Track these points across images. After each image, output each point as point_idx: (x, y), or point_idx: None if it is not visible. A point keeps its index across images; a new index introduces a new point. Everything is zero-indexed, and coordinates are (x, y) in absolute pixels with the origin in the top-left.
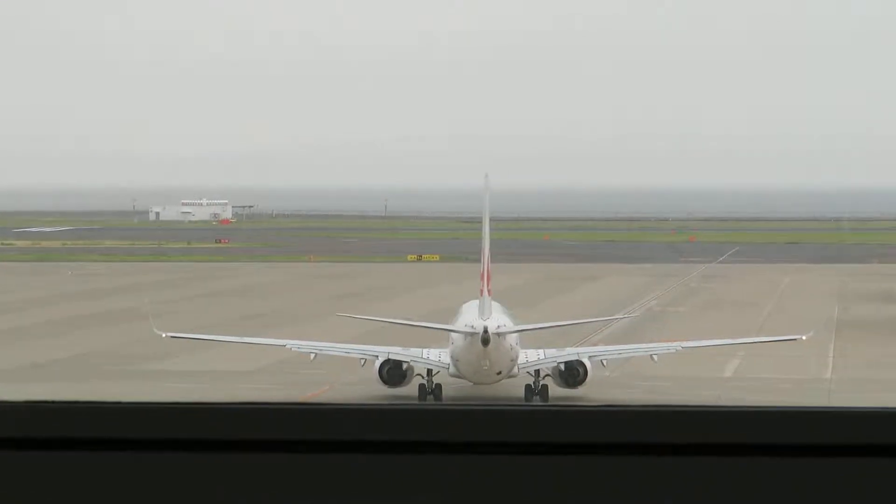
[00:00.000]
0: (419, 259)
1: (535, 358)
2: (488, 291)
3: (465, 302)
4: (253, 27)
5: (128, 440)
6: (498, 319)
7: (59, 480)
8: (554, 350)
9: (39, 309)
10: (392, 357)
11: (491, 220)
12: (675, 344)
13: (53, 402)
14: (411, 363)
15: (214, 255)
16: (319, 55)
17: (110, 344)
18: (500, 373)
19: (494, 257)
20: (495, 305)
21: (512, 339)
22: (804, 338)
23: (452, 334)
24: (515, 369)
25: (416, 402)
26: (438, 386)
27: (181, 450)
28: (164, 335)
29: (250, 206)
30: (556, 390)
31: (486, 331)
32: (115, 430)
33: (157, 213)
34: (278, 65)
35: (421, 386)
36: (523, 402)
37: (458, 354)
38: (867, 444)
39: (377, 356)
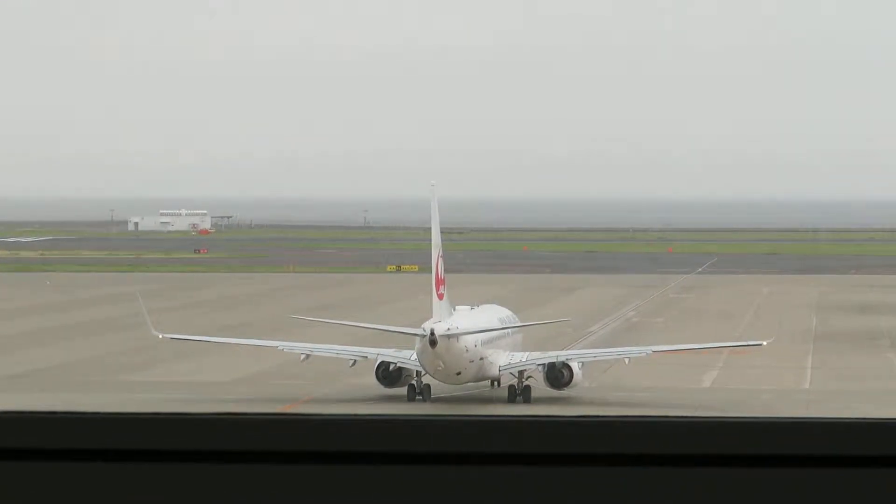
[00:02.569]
0: (398, 269)
1: (518, 360)
2: (439, 296)
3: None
4: (236, 32)
5: (107, 451)
6: (453, 322)
7: (35, 492)
8: (538, 353)
9: (18, 319)
10: (384, 359)
11: (471, 230)
12: (646, 348)
13: (31, 412)
14: (399, 364)
15: (193, 265)
16: (306, 63)
17: (90, 354)
18: (459, 373)
19: (473, 268)
20: (492, 308)
21: (470, 342)
22: (764, 343)
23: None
24: (495, 371)
25: (403, 412)
26: (427, 386)
27: (161, 461)
28: (160, 336)
29: (229, 217)
30: (548, 393)
31: (432, 333)
32: (93, 440)
33: (136, 224)
34: (259, 70)
35: (410, 386)
36: (512, 414)
37: (418, 356)
38: (848, 455)
39: (367, 357)
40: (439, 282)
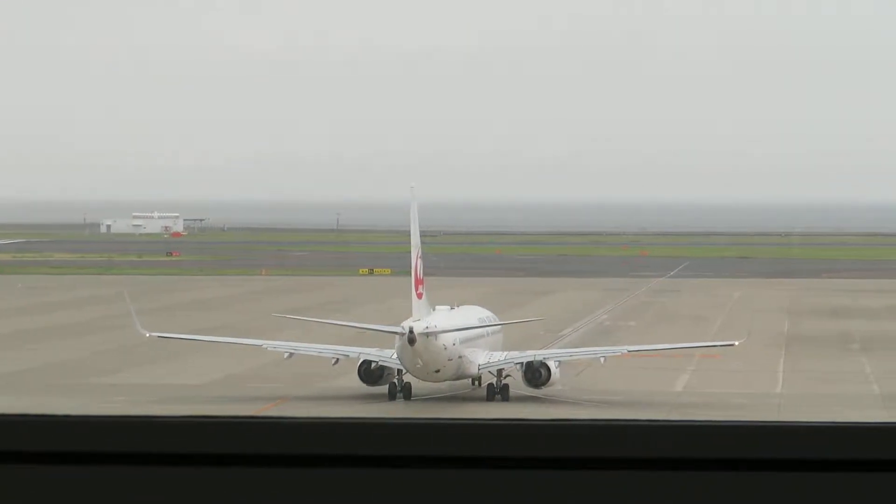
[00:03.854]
0: (371, 273)
1: (496, 359)
2: (418, 295)
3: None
4: (200, 35)
5: (77, 454)
6: (431, 321)
7: (11, 496)
8: (516, 352)
9: None
10: (366, 358)
11: (444, 233)
12: (621, 348)
13: (6, 415)
14: (380, 363)
15: (166, 268)
16: (273, 66)
17: (63, 357)
18: (438, 371)
19: (447, 271)
20: (471, 308)
21: (448, 340)
22: (737, 343)
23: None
24: (474, 369)
25: (384, 416)
26: (408, 384)
27: (131, 464)
28: (148, 335)
29: (202, 220)
30: (527, 391)
31: (411, 331)
32: (64, 443)
33: (108, 226)
34: (227, 72)
35: (391, 385)
36: (501, 417)
37: (398, 354)
38: (843, 459)
39: (349, 356)
40: (418, 282)
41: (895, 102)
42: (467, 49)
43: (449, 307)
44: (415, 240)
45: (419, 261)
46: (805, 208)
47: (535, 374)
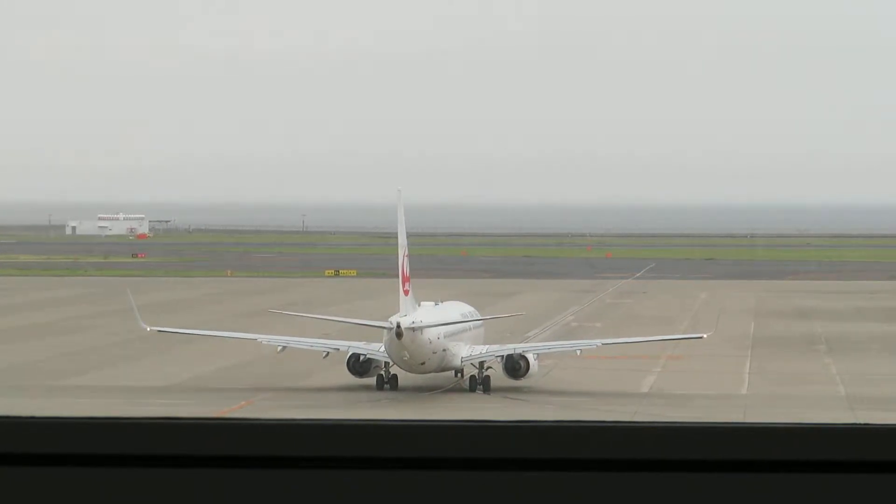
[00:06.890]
0: (337, 274)
1: (478, 352)
2: (404, 292)
3: (389, 315)
4: (165, 32)
5: (43, 456)
6: (417, 316)
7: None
8: (497, 346)
9: None
10: (355, 351)
11: (407, 235)
12: (596, 341)
13: None
14: (368, 356)
15: (132, 269)
16: (237, 63)
17: (30, 358)
18: (423, 363)
19: (413, 273)
20: (455, 304)
21: (433, 334)
22: (705, 336)
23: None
24: (457, 362)
25: (359, 418)
26: (394, 376)
27: (96, 465)
28: (148, 328)
29: (167, 221)
30: (508, 382)
31: (398, 326)
32: (29, 445)
33: (74, 228)
34: (190, 72)
35: (379, 377)
36: (491, 419)
37: (385, 347)
38: (837, 460)
39: (339, 349)
40: (405, 279)
41: (858, 104)
42: (426, 48)
43: (434, 303)
44: (401, 240)
45: (406, 259)
46: (770, 210)
47: (515, 366)
